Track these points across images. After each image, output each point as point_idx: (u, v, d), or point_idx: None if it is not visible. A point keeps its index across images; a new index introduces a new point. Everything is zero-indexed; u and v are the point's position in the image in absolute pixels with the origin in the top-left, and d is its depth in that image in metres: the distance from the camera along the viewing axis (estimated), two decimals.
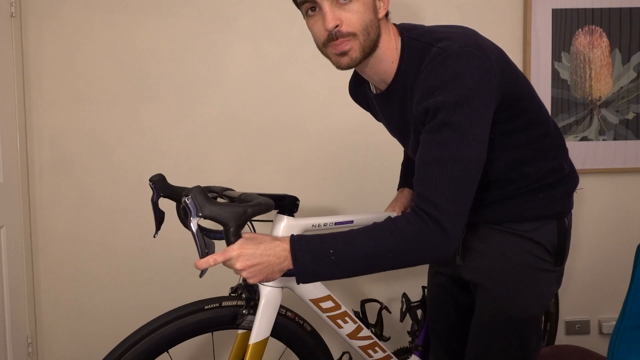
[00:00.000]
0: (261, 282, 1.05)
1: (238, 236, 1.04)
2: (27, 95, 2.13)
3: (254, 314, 1.34)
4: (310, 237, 1.05)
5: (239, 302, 1.37)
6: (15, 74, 2.06)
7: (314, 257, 1.02)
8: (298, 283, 1.04)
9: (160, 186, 1.38)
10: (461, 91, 1.01)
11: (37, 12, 2.11)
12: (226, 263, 1.03)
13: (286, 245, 1.04)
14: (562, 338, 2.31)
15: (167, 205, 1.45)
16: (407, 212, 1.05)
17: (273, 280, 1.06)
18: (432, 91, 1.04)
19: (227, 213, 1.03)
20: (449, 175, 1.00)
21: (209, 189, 1.40)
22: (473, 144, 1.02)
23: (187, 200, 1.02)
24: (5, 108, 2.01)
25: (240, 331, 1.44)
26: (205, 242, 1.05)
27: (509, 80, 1.12)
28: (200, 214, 1.03)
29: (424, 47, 1.10)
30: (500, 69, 1.09)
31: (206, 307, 1.35)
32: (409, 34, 1.16)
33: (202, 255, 1.04)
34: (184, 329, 1.32)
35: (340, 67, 1.14)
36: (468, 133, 1.01)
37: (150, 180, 1.37)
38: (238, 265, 1.02)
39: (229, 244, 1.04)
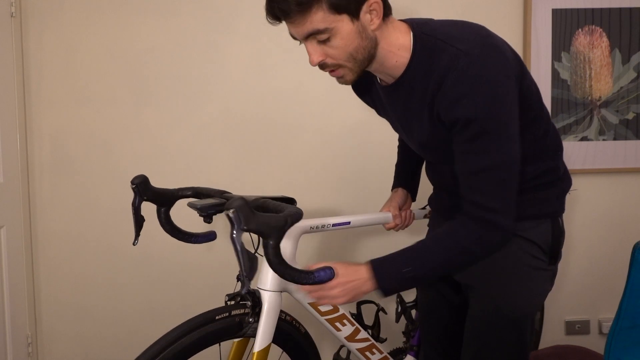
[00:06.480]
0: (348, 302, 1.15)
1: (278, 248, 1.04)
2: (27, 95, 2.13)
3: (258, 320, 1.30)
4: (386, 260, 1.15)
5: (246, 310, 1.33)
6: (15, 74, 2.06)
7: (393, 279, 1.14)
8: (382, 297, 1.16)
9: (143, 189, 1.31)
10: (491, 98, 1.04)
11: (37, 12, 2.11)
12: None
13: (366, 270, 1.14)
14: (562, 338, 2.31)
15: (149, 209, 1.42)
16: (468, 222, 1.12)
17: (356, 300, 1.18)
18: (460, 99, 1.05)
19: (270, 226, 1.02)
20: (497, 180, 1.09)
21: (206, 192, 1.37)
22: (511, 145, 1.09)
23: (231, 214, 0.99)
24: (5, 108, 2.01)
25: (235, 339, 1.40)
26: (249, 256, 1.03)
27: (521, 78, 1.13)
28: (244, 227, 1.00)
29: (436, 43, 1.11)
30: (515, 66, 1.11)
31: (217, 317, 1.29)
32: (422, 29, 1.16)
33: (246, 269, 1.02)
34: (196, 342, 1.25)
35: (340, 83, 1.22)
36: (504, 137, 1.08)
37: (132, 182, 1.30)
38: (335, 292, 1.13)
39: (268, 257, 1.03)
